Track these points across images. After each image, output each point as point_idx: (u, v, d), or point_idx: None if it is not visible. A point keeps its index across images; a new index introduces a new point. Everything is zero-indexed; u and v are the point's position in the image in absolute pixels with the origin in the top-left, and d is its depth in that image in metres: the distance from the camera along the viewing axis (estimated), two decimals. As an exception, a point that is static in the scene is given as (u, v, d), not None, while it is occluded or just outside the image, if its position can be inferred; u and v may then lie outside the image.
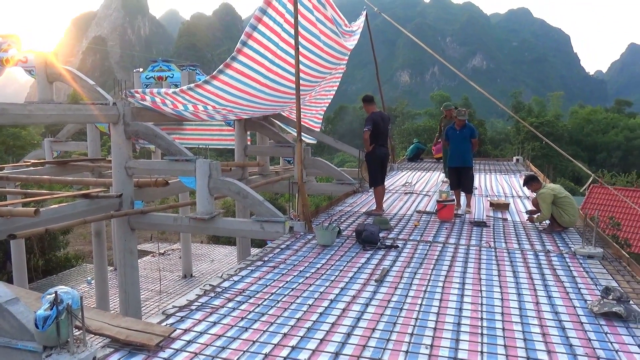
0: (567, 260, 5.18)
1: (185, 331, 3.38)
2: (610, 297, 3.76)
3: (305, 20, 7.10)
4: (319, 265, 4.97)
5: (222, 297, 4.07)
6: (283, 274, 4.68)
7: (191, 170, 6.76)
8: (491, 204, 8.06)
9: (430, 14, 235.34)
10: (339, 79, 12.16)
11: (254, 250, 12.03)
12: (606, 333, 3.40)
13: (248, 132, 11.06)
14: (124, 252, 7.19)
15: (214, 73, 6.75)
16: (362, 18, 11.09)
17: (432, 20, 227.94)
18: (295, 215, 6.47)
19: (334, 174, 10.11)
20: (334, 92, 12.57)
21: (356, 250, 5.54)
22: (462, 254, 5.41)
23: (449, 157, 8.23)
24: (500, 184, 10.85)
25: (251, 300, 3.99)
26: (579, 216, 6.73)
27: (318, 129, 13.25)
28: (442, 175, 11.61)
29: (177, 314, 3.67)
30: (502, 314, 3.72)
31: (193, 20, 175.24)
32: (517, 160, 15.93)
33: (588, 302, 3.92)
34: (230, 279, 4.55)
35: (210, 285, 4.36)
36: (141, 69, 12.32)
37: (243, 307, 3.85)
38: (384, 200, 8.11)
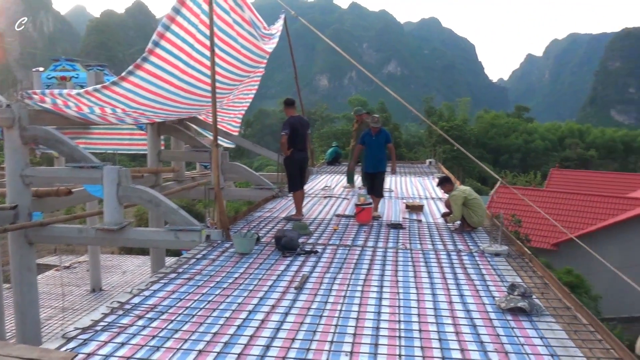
0: (477, 258, 5.45)
1: (89, 355, 3.10)
2: (516, 293, 3.98)
3: (221, 21, 6.90)
4: (236, 275, 4.82)
5: (131, 314, 3.80)
6: (199, 286, 4.48)
7: (98, 178, 6.30)
8: (407, 206, 8.33)
9: (348, 20, 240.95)
10: (258, 82, 12.00)
11: (169, 261, 11.52)
12: (513, 328, 3.59)
13: (162, 137, 10.57)
14: (20, 269, 6.54)
15: (123, 74, 6.34)
16: (281, 22, 11.03)
17: (349, 26, 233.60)
18: (212, 223, 6.25)
19: (252, 179, 9.93)
20: (252, 96, 12.39)
21: (275, 257, 5.45)
22: (380, 256, 5.50)
23: (366, 163, 8.34)
24: (415, 186, 11.27)
25: (164, 317, 3.76)
26: (487, 216, 7.13)
27: (236, 133, 12.98)
28: (357, 182, 11.79)
29: (79, 337, 3.36)
30: (419, 315, 3.81)
31: (103, 18, 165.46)
32: (430, 162, 16.68)
33: (496, 298, 4.13)
34: (141, 294, 4.27)
35: (118, 302, 4.06)
36: (41, 69, 11.35)
37: (155, 324, 3.62)
38: (303, 204, 8.09)
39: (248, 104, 12.42)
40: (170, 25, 6.05)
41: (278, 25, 10.80)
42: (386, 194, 10.03)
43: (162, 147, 10.78)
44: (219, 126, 12.42)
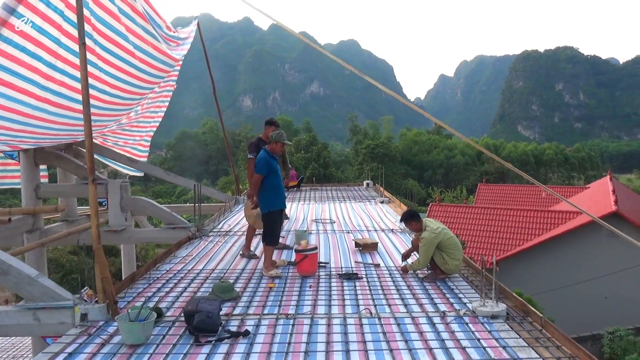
0: (470, 326, 3.95)
1: None
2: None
3: (102, 10, 5.05)
4: (118, 395, 2.96)
5: None
6: None
7: None
8: (357, 244, 6.76)
9: (269, 41, 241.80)
10: (169, 98, 10.13)
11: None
12: None
13: (40, 167, 8.30)
14: None
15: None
16: (192, 27, 9.31)
17: (271, 47, 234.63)
18: (91, 295, 4.28)
19: (162, 216, 7.91)
20: (162, 114, 10.46)
21: (185, 347, 3.63)
22: (338, 332, 3.85)
23: (278, 197, 5.86)
24: (358, 215, 9.74)
25: None
26: (463, 259, 5.68)
27: (144, 159, 10.90)
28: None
29: None
30: None
31: None
32: (367, 184, 15.39)
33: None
34: None
35: None
36: None
37: None
38: (225, 250, 6.33)
39: (157, 124, 10.44)
40: (16, 7, 4.11)
41: (189, 30, 9.06)
42: (328, 227, 8.48)
43: (43, 180, 8.50)
44: (121, 150, 10.31)
